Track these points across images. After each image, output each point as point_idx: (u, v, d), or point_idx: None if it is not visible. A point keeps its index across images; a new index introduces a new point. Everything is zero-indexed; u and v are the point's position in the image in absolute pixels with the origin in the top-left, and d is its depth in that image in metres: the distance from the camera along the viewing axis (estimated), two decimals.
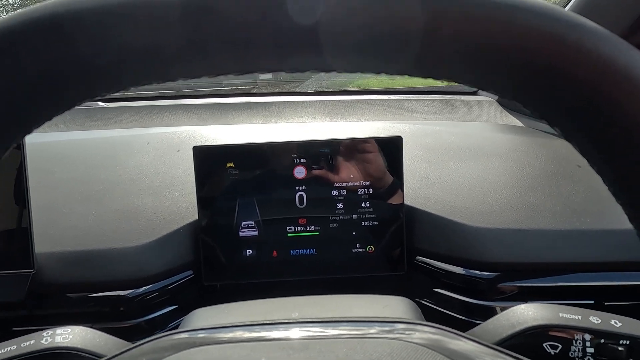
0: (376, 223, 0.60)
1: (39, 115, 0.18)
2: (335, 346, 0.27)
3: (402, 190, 0.60)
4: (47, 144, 0.78)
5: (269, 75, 1.50)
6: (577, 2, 0.70)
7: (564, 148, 0.74)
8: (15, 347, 0.35)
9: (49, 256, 0.55)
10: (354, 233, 0.60)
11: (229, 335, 0.31)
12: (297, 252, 0.60)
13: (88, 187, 0.65)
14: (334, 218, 0.60)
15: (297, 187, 0.59)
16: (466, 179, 0.66)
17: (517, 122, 0.91)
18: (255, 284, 0.60)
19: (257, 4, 0.16)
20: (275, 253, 0.60)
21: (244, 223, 0.60)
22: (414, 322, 0.32)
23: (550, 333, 0.35)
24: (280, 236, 0.60)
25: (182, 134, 0.79)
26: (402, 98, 1.01)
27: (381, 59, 0.17)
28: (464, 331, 0.33)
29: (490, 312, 0.56)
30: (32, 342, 0.35)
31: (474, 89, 1.06)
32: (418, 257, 0.61)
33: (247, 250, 0.60)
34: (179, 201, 0.63)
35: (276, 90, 1.33)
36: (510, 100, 0.19)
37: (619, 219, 0.58)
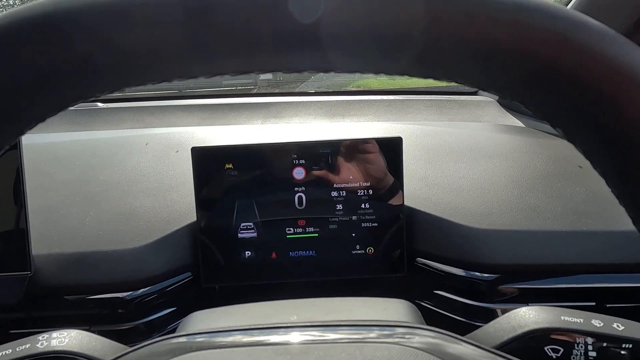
0: (376, 224, 0.60)
1: (32, 116, 0.17)
2: (335, 351, 0.26)
3: (402, 191, 0.60)
4: (44, 145, 0.77)
5: (269, 76, 1.50)
6: (579, 1, 0.70)
7: (565, 148, 0.73)
8: (10, 351, 0.34)
9: (46, 258, 0.55)
10: (353, 234, 0.60)
11: (227, 339, 0.30)
12: (296, 253, 0.60)
13: (86, 189, 0.65)
14: (334, 219, 0.59)
15: (296, 188, 0.59)
16: (466, 179, 0.66)
17: (517, 122, 0.91)
18: (254, 286, 0.60)
19: (258, 2, 0.15)
20: (274, 255, 0.60)
21: (242, 224, 0.59)
22: (413, 325, 0.31)
23: (552, 336, 0.34)
24: (279, 237, 0.59)
25: (180, 134, 0.79)
26: (402, 98, 1.01)
27: (384, 58, 0.17)
28: (464, 333, 0.32)
29: (490, 314, 0.56)
30: (27, 346, 0.35)
31: (474, 90, 1.06)
32: (418, 259, 0.61)
33: (246, 252, 0.59)
34: (178, 202, 0.62)
35: (276, 91, 1.32)
36: (513, 100, 0.19)
37: (620, 220, 0.57)
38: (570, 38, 0.16)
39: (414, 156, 0.71)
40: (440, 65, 0.17)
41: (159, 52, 0.16)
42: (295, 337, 0.30)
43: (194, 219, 0.59)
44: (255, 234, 0.59)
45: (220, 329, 0.31)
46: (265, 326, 0.31)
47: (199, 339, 0.31)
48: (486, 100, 1.01)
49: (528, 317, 0.36)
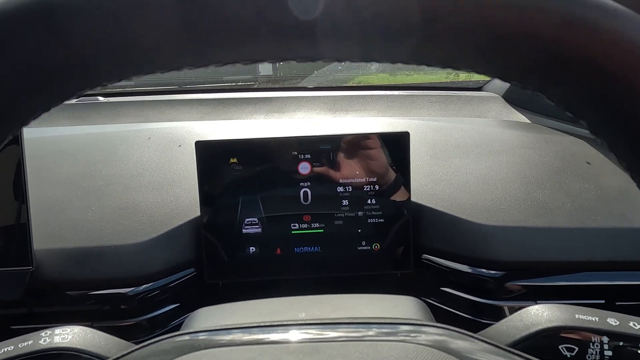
0: (382, 220, 0.59)
1: (29, 110, 0.17)
2: (347, 350, 0.26)
3: (409, 187, 0.59)
4: (46, 139, 0.76)
5: (269, 71, 1.49)
6: None
7: (572, 144, 0.73)
8: (12, 347, 0.33)
9: (47, 253, 0.54)
10: (359, 230, 0.59)
11: (235, 337, 0.29)
12: (301, 249, 0.59)
13: (88, 183, 0.64)
14: (339, 215, 0.59)
15: (301, 184, 0.58)
16: (473, 175, 0.65)
17: (523, 118, 0.90)
18: (259, 282, 0.59)
19: None
20: (279, 250, 0.59)
21: (247, 220, 0.58)
22: (426, 323, 0.31)
23: (566, 335, 0.33)
24: (284, 233, 0.59)
25: (183, 128, 0.78)
26: (407, 94, 1.00)
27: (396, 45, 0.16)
28: (471, 331, 0.31)
29: (498, 312, 0.55)
30: (30, 342, 0.34)
31: (479, 85, 1.05)
32: (424, 255, 0.60)
33: (251, 248, 0.59)
34: (181, 197, 0.62)
35: (277, 86, 1.31)
36: (534, 92, 0.18)
37: (630, 218, 0.56)
38: (599, 25, 0.15)
39: (419, 152, 0.70)
40: (456, 54, 0.17)
41: (156, 42, 0.15)
42: (305, 335, 0.29)
43: (198, 214, 0.58)
44: (259, 230, 0.59)
45: (227, 326, 0.30)
46: (274, 323, 0.30)
47: (205, 336, 0.30)
48: (491, 96, 1.00)
49: (541, 315, 0.35)
